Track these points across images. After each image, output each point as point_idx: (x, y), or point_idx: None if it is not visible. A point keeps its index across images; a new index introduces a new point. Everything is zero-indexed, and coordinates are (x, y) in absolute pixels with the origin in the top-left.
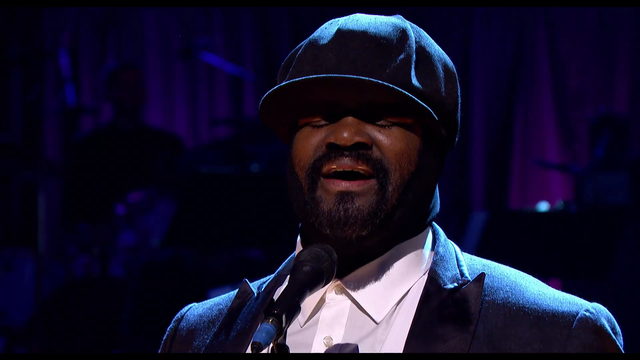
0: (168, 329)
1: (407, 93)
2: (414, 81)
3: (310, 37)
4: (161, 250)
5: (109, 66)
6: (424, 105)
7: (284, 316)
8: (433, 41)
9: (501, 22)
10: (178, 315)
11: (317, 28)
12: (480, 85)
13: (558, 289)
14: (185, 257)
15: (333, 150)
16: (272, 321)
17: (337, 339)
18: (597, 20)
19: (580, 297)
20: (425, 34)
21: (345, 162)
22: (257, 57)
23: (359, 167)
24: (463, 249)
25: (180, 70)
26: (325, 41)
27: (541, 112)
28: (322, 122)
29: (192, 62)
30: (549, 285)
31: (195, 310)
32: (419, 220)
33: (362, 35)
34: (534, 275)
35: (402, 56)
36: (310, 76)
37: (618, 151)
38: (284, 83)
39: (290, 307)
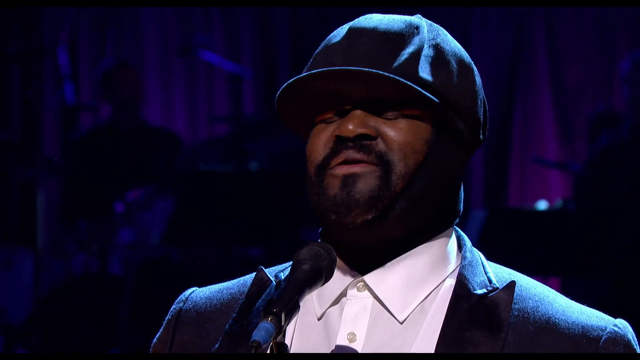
0: (171, 310)
1: (409, 83)
2: (422, 74)
3: (328, 36)
4: (160, 248)
5: (105, 65)
6: (427, 94)
7: (283, 315)
8: (452, 39)
9: (500, 18)
10: (182, 297)
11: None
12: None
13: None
14: (183, 255)
15: (339, 143)
16: (271, 320)
17: (361, 336)
18: (596, 16)
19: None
20: (445, 32)
21: (350, 154)
22: (256, 55)
23: (363, 158)
24: None
25: (179, 67)
26: (336, 39)
27: (540, 108)
28: (334, 118)
29: (191, 60)
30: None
31: (200, 293)
32: (438, 218)
33: (371, 32)
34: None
35: (410, 50)
36: (313, 71)
37: None
38: (291, 80)
39: (290, 305)
